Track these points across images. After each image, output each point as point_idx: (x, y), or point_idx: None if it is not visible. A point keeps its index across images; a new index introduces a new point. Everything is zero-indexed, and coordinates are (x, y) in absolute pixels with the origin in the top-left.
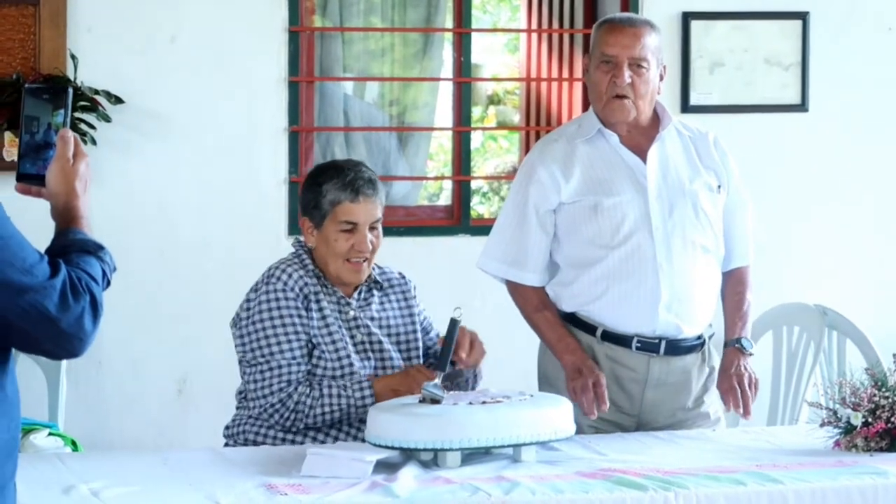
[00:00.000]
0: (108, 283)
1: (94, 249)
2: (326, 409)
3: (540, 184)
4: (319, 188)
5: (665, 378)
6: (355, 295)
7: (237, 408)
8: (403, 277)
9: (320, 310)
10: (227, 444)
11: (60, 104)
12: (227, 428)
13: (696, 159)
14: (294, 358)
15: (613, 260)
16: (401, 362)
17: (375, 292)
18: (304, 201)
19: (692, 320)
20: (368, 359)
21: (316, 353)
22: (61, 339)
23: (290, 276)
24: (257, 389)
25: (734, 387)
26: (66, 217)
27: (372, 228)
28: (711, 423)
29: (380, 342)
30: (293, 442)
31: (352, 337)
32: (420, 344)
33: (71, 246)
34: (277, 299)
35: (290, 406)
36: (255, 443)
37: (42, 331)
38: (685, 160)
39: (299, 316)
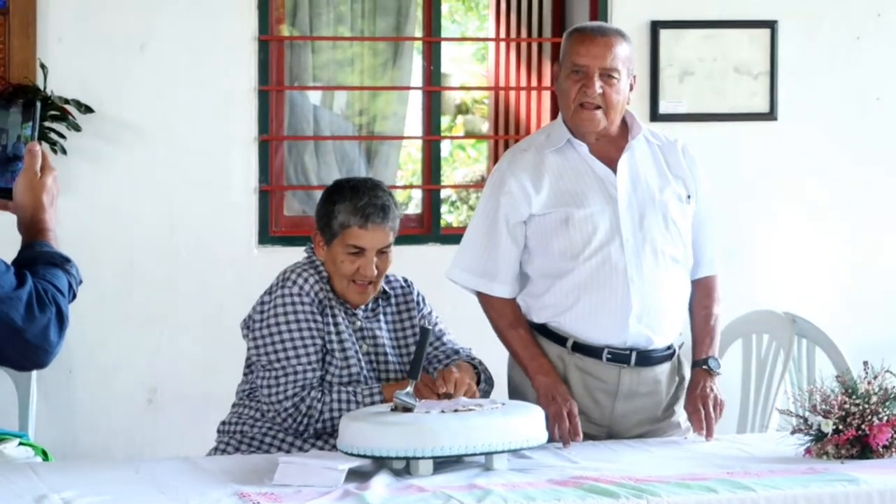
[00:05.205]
0: (75, 296)
1: (61, 262)
2: (336, 413)
3: (511, 195)
4: (333, 207)
5: (636, 388)
6: (362, 306)
7: (235, 405)
8: (408, 284)
9: (333, 317)
10: (219, 441)
11: (29, 117)
12: (222, 424)
13: (665, 168)
14: (309, 363)
15: (584, 271)
16: (403, 375)
17: (381, 302)
18: (317, 215)
19: (662, 331)
20: (373, 370)
21: (327, 359)
22: (27, 350)
23: (305, 280)
24: (271, 395)
25: (699, 409)
26: (32, 230)
27: (381, 252)
28: (682, 432)
29: (385, 353)
30: (301, 448)
31: (359, 348)
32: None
33: (38, 258)
34: (294, 303)
35: (302, 410)
36: (261, 443)
37: (7, 341)
38: (654, 170)
39: (314, 321)
